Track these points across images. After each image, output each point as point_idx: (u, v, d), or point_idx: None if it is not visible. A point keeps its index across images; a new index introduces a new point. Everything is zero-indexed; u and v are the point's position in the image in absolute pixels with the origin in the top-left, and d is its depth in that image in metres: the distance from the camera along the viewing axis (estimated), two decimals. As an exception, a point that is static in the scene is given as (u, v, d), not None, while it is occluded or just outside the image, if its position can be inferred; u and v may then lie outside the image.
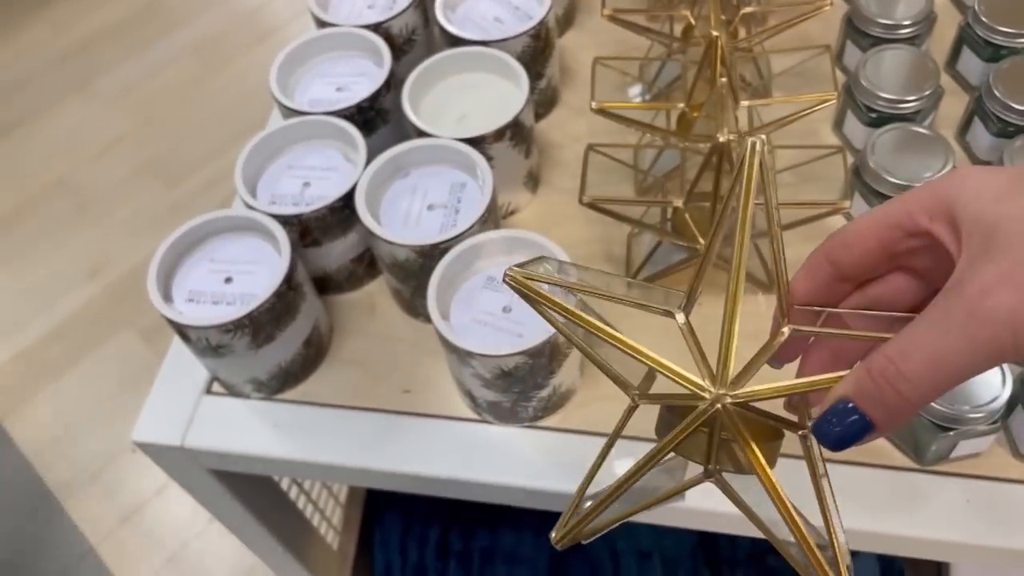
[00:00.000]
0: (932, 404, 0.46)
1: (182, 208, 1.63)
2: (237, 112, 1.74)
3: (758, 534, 0.45)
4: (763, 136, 0.32)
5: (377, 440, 0.54)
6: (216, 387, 0.58)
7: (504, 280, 0.33)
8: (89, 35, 1.93)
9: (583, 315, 0.31)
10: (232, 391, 0.57)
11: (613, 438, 0.32)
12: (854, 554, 0.68)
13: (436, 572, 0.67)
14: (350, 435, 0.55)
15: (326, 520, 0.85)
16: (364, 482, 0.55)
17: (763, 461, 0.30)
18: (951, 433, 0.46)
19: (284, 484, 0.74)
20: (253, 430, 0.56)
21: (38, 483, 1.33)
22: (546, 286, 0.32)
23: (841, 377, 0.28)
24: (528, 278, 0.32)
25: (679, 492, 0.32)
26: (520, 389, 0.50)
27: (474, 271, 0.52)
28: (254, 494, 0.65)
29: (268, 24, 1.90)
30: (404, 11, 0.63)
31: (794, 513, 0.29)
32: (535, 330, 0.49)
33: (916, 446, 0.49)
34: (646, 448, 0.31)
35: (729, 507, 0.46)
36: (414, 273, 0.54)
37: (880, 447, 0.50)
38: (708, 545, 0.70)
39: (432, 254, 0.52)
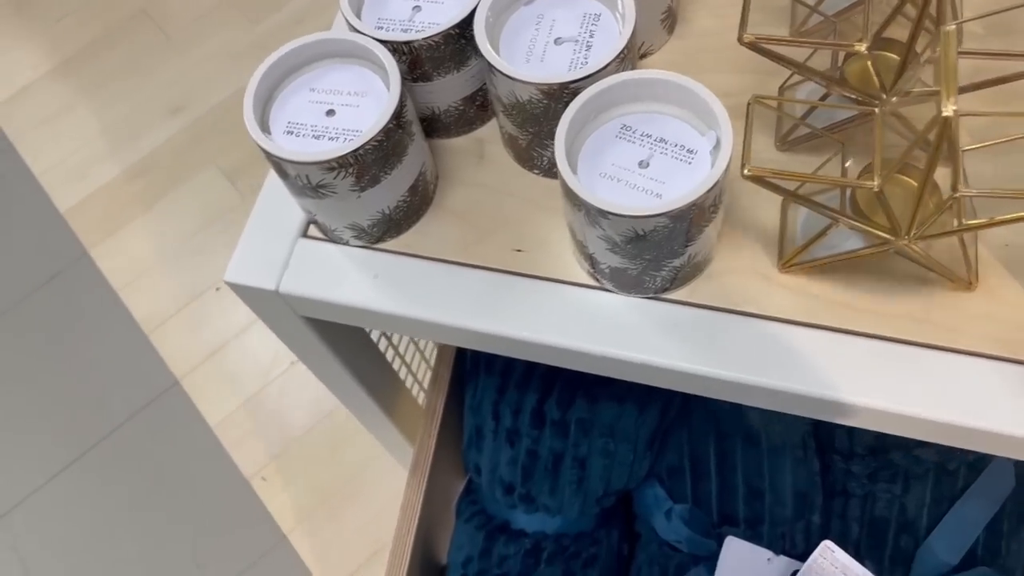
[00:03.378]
0: None
1: (265, 44, 1.57)
2: (324, -57, 1.64)
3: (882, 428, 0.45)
4: None
5: (486, 300, 0.50)
6: (313, 231, 0.54)
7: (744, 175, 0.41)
8: None
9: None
10: (330, 236, 0.53)
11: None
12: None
13: (531, 439, 0.64)
14: (456, 292, 0.50)
15: (413, 375, 0.83)
16: (468, 343, 0.51)
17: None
18: None
19: (374, 335, 0.71)
20: (351, 279, 0.52)
21: (125, 316, 1.35)
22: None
23: None
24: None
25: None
26: (652, 256, 0.44)
27: (607, 118, 0.45)
28: (345, 342, 0.62)
29: None
30: None
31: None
32: (677, 189, 0.42)
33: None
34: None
35: (852, 397, 0.40)
36: (535, 117, 0.47)
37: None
38: (822, 435, 0.65)
39: (560, 95, 0.45)
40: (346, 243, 0.52)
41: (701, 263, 0.47)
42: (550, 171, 0.52)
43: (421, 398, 0.81)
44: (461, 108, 0.53)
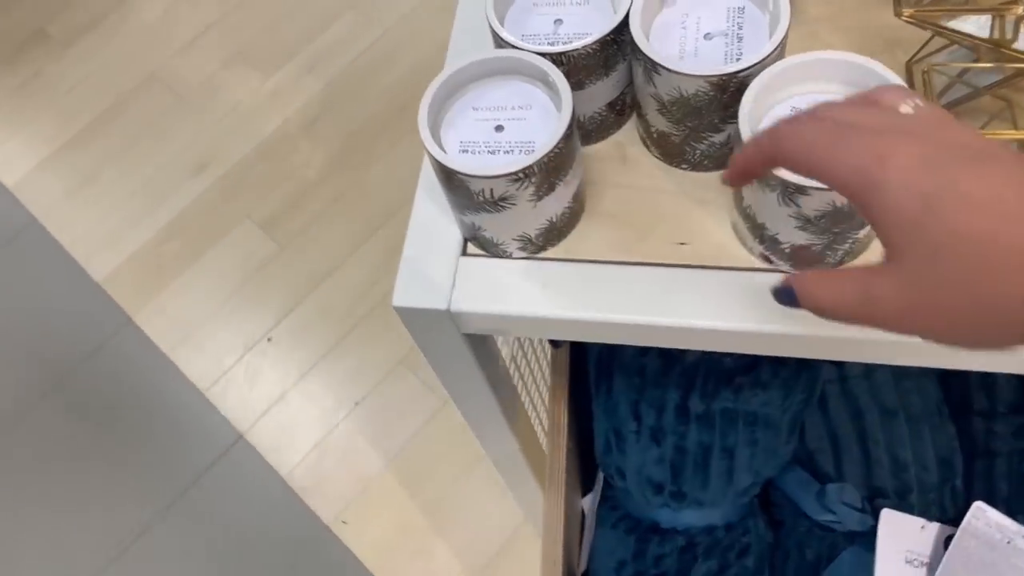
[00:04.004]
0: None
1: (283, 95, 1.59)
2: (330, -11, 1.67)
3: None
4: None
5: (660, 295, 0.51)
6: (471, 248, 0.55)
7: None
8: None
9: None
10: (492, 251, 0.54)
11: None
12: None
13: (677, 436, 0.65)
14: (629, 291, 0.51)
15: (536, 386, 0.84)
16: (648, 340, 0.52)
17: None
18: None
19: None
20: (521, 290, 0.52)
21: (179, 377, 1.35)
22: None
23: None
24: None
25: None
26: (842, 228, 0.45)
27: (775, 102, 0.47)
28: (487, 358, 0.63)
29: None
30: None
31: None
32: (864, 161, 0.44)
33: None
34: None
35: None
36: (697, 110, 0.49)
37: None
38: (955, 399, 0.67)
39: (727, 86, 0.47)
40: (509, 256, 0.53)
41: (873, 234, 0.49)
42: (700, 164, 0.54)
43: (541, 409, 0.82)
44: (604, 114, 0.55)
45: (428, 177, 0.57)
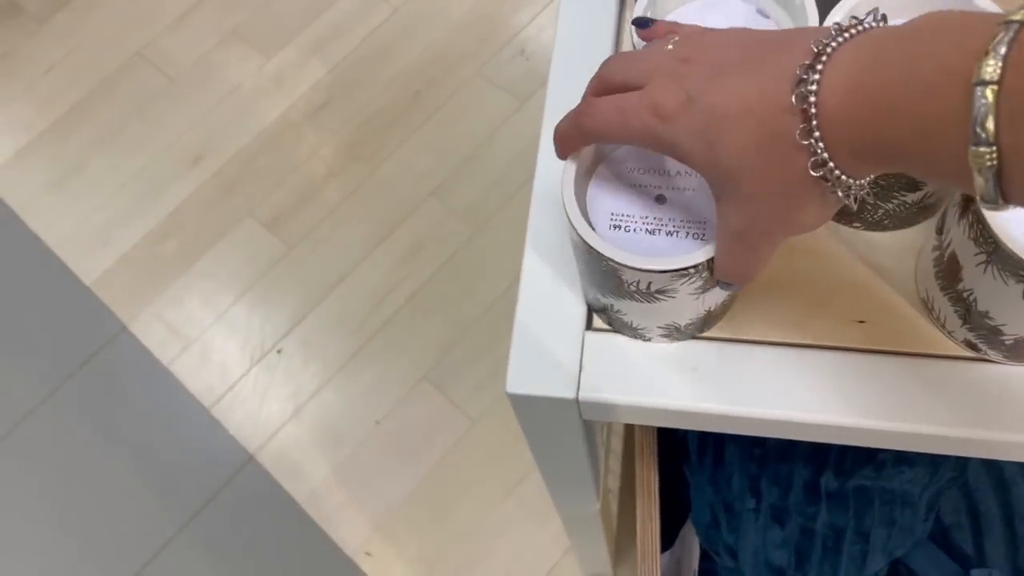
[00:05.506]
0: None
1: (286, 79, 1.46)
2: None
3: None
4: None
5: (835, 386, 0.42)
6: (598, 322, 0.45)
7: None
8: None
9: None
10: (626, 333, 0.44)
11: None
12: None
13: (804, 517, 0.57)
14: (799, 380, 0.42)
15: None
16: (824, 438, 0.43)
17: None
18: None
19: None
20: (665, 376, 0.43)
21: (181, 392, 1.24)
22: None
23: None
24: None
25: None
26: (1095, 324, 0.37)
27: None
28: (592, 437, 0.54)
29: None
30: None
31: None
32: None
33: None
34: None
35: None
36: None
37: None
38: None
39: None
40: (648, 340, 0.44)
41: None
42: (879, 224, 0.45)
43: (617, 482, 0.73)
44: (759, 160, 0.45)
45: (538, 231, 0.48)
